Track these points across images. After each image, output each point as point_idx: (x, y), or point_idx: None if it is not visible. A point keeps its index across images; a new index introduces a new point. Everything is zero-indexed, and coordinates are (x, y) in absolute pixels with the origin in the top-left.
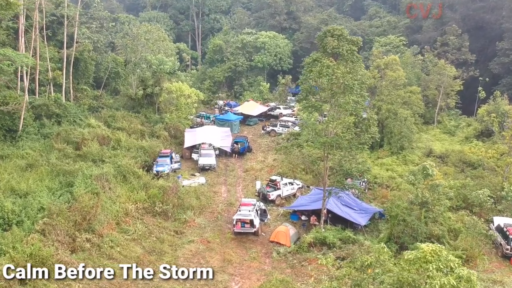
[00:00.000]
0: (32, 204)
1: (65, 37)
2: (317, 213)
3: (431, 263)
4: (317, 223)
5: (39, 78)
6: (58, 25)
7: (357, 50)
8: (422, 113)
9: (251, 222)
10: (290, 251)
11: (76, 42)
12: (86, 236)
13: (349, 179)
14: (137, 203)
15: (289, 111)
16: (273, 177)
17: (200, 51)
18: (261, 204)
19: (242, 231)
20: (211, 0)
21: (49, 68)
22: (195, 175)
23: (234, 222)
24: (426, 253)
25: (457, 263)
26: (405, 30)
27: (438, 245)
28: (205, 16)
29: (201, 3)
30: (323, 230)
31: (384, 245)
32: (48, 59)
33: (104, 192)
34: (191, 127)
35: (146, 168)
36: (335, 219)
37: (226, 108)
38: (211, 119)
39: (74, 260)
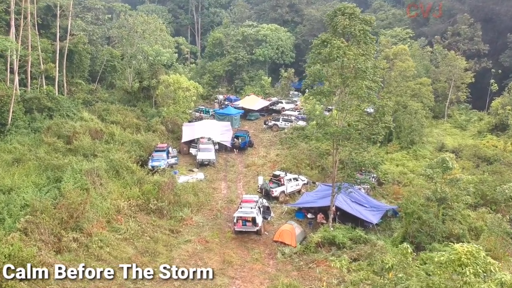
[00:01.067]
0: (15, 201)
1: (58, 28)
2: (324, 210)
3: (467, 267)
4: (324, 221)
5: (31, 71)
6: (52, 18)
7: (370, 30)
8: (432, 106)
9: (253, 220)
10: (296, 251)
11: (71, 35)
12: (73, 235)
13: (358, 174)
14: (130, 200)
15: (291, 106)
16: (277, 172)
17: (199, 45)
18: (264, 201)
19: (244, 230)
20: None
21: (41, 60)
22: (193, 171)
23: (235, 220)
24: (460, 254)
25: (498, 267)
26: (411, 23)
27: (475, 245)
28: (204, 9)
29: None
30: (332, 229)
31: (407, 245)
32: (40, 50)
33: (94, 188)
34: (189, 122)
35: (141, 163)
36: (344, 217)
37: (226, 102)
38: (211, 114)
39: (59, 262)
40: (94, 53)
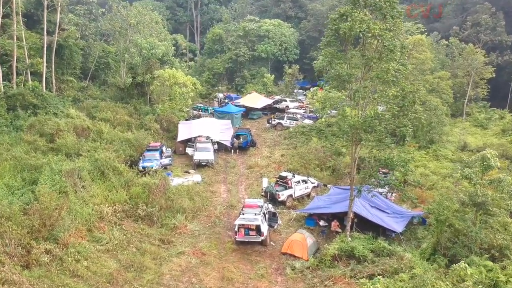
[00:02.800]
0: None
1: (45, 19)
2: (338, 217)
3: None
4: (339, 230)
5: (16, 66)
6: (43, 12)
7: (397, 2)
8: (451, 102)
9: (258, 229)
10: (308, 266)
11: (62, 29)
12: (46, 246)
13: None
14: (115, 205)
15: (296, 104)
16: (283, 174)
17: (198, 44)
18: (270, 206)
19: (246, 240)
20: None
21: (26, 53)
22: (189, 172)
23: (236, 229)
24: None
25: None
26: (421, 19)
27: None
28: (204, 6)
29: None
30: (350, 238)
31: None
32: (25, 43)
33: (75, 191)
34: (186, 120)
35: (131, 163)
36: (362, 225)
37: (226, 100)
38: (210, 112)
39: (25, 279)
40: (86, 49)
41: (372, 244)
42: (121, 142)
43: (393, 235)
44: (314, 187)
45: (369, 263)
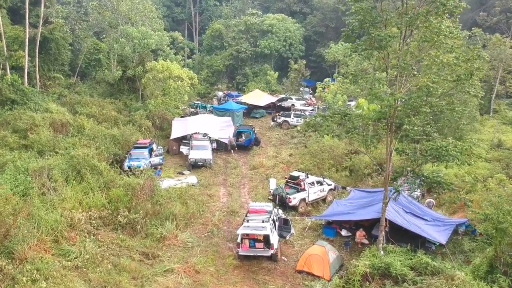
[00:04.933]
0: None
1: (27, 8)
2: (364, 225)
3: None
4: (366, 241)
5: None
6: (31, 6)
7: None
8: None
9: (266, 240)
10: None
11: (49, 22)
12: None
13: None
14: (90, 210)
15: (302, 103)
16: (295, 173)
17: (197, 43)
18: (280, 211)
19: (252, 253)
20: None
21: (5, 46)
22: (183, 174)
23: (239, 240)
24: None
25: None
26: None
27: None
28: (203, 2)
29: None
30: (382, 252)
31: None
32: (4, 33)
33: (43, 193)
34: (181, 117)
35: (116, 162)
36: (394, 234)
37: (227, 98)
38: (208, 109)
39: None
40: (76, 44)
41: (411, 259)
42: (104, 139)
43: (433, 247)
44: (331, 189)
45: (409, 284)
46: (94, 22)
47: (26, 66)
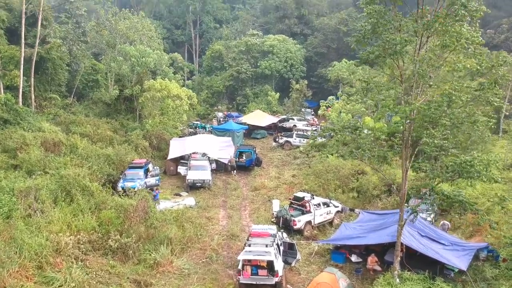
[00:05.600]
0: None
1: (23, 27)
2: (375, 250)
3: None
4: (378, 267)
5: None
6: (28, 27)
7: None
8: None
9: (270, 266)
10: None
11: (46, 42)
12: None
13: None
14: (79, 234)
15: (304, 123)
16: (300, 194)
17: (197, 65)
18: (285, 235)
19: (254, 282)
20: (210, 6)
21: None
22: (180, 195)
23: (240, 266)
24: None
25: None
26: None
27: None
28: (203, 25)
29: (200, 9)
30: (398, 280)
31: None
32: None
33: (28, 215)
34: (180, 137)
35: (110, 183)
36: (409, 259)
37: (227, 119)
38: (208, 130)
39: None
40: (73, 65)
41: (430, 287)
42: (98, 158)
43: (452, 274)
44: (338, 212)
45: None
46: (92, 43)
47: (21, 85)
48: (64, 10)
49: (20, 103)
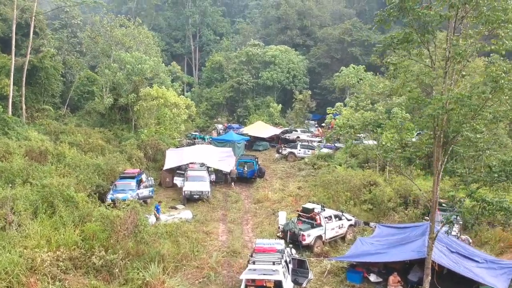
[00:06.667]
0: None
1: (13, 34)
2: (396, 268)
3: None
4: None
5: None
6: (23, 37)
7: None
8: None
9: (278, 287)
10: None
11: (39, 51)
12: None
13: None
14: (59, 249)
15: (308, 135)
16: (309, 205)
17: (197, 77)
18: (294, 251)
19: None
20: (210, 18)
21: None
22: (176, 208)
23: (243, 287)
24: None
25: None
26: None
27: None
28: (203, 37)
29: (199, 21)
30: None
31: None
32: None
33: (2, 229)
34: (177, 148)
35: (98, 194)
36: (437, 278)
37: (227, 130)
38: (207, 140)
39: None
40: (68, 76)
41: None
42: (87, 168)
43: None
44: (351, 225)
45: None
46: (87, 53)
47: (11, 94)
48: (59, 18)
49: (10, 113)
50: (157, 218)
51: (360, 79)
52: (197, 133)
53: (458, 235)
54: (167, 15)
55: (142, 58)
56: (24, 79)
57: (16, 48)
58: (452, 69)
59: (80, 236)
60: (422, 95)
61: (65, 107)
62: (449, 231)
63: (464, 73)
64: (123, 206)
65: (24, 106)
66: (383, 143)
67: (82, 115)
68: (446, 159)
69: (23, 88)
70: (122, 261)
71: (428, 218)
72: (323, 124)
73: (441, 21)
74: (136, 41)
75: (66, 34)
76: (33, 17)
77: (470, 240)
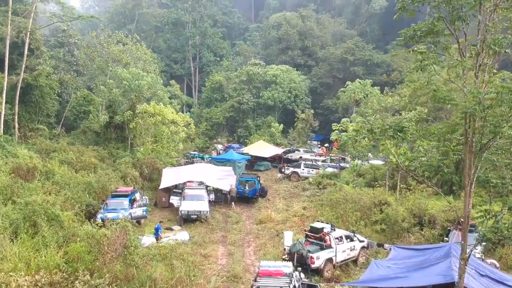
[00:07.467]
0: None
1: (7, 49)
2: None
3: None
4: None
5: None
6: (19, 56)
7: None
8: None
9: None
10: None
11: (34, 70)
12: None
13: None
14: (39, 273)
15: (311, 155)
16: (317, 225)
17: (196, 99)
18: (302, 275)
19: None
20: (210, 40)
21: None
22: (172, 229)
23: None
24: None
25: None
26: None
27: None
28: (203, 58)
29: (199, 43)
30: None
31: None
32: None
33: None
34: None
35: (88, 213)
36: None
37: (227, 150)
38: (206, 160)
39: None
40: (64, 95)
41: None
42: (77, 186)
43: None
44: (363, 247)
45: None
46: (84, 72)
47: (3, 113)
48: (56, 36)
49: (1, 132)
50: (158, 240)
51: (367, 94)
52: (196, 152)
53: (482, 257)
54: (166, 37)
55: (139, 74)
56: (17, 97)
57: (12, 68)
58: (485, 64)
59: (63, 258)
60: (447, 96)
61: (60, 126)
62: (484, 250)
63: (495, 70)
64: (112, 225)
65: (16, 125)
66: (419, 149)
67: (77, 134)
68: (478, 167)
69: (16, 107)
70: (109, 287)
71: (447, 239)
72: (326, 145)
73: (475, 5)
74: (134, 57)
75: (62, 53)
76: (28, 34)
77: (497, 264)
